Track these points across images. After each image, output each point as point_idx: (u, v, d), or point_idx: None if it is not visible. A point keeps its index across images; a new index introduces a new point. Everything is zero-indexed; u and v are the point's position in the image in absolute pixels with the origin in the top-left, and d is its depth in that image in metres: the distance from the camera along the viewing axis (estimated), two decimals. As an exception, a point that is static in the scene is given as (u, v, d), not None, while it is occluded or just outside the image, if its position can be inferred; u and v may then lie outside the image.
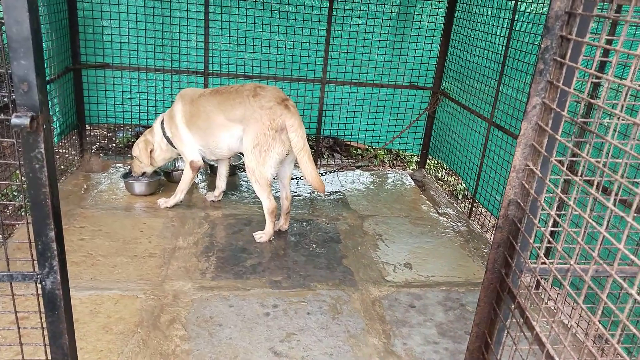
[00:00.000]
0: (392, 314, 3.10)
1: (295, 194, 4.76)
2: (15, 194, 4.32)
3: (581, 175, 1.27)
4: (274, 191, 4.34)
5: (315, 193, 4.79)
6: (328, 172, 5.25)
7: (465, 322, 3.06)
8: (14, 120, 1.21)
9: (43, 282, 1.44)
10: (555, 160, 1.30)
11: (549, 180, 1.36)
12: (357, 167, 5.74)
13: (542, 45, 1.29)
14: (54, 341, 1.53)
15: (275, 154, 3.63)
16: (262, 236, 3.83)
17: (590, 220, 1.14)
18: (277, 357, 2.63)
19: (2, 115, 1.34)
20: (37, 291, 1.48)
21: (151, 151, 4.28)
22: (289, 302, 3.12)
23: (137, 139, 4.40)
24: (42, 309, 1.49)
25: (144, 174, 4.45)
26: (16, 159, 1.34)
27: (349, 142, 6.53)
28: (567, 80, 1.28)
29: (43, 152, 1.29)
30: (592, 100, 1.13)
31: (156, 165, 4.41)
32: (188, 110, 3.95)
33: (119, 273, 3.25)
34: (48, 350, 1.55)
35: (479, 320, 1.64)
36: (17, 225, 3.76)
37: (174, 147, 4.20)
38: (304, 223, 4.22)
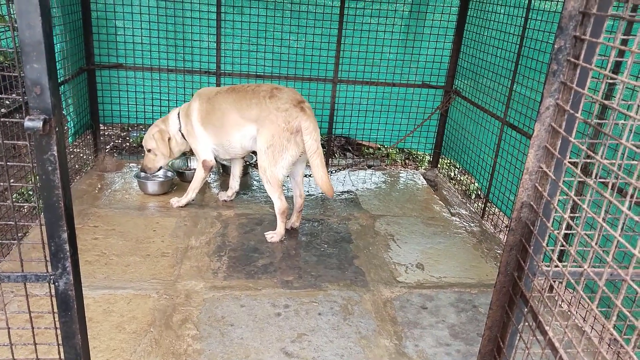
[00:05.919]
0: (403, 315, 3.08)
1: (307, 193, 4.76)
2: (30, 193, 4.37)
3: (595, 177, 1.24)
4: (286, 191, 4.34)
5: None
6: (339, 170, 5.24)
7: (478, 324, 3.04)
8: (27, 124, 1.22)
9: (56, 283, 1.46)
10: (569, 162, 1.28)
11: (563, 183, 1.34)
12: (369, 167, 5.72)
13: (556, 46, 1.27)
14: (67, 341, 1.54)
15: (288, 156, 3.64)
16: (273, 236, 3.84)
17: (603, 224, 1.12)
18: (288, 358, 2.64)
19: (16, 117, 1.36)
20: (50, 292, 1.50)
21: (168, 140, 4.21)
22: (300, 303, 3.12)
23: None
24: (56, 309, 1.51)
25: (159, 169, 4.39)
26: (30, 160, 1.36)
27: (360, 142, 6.50)
28: (581, 81, 1.26)
29: (56, 154, 1.30)
30: (606, 102, 1.11)
31: (173, 156, 4.38)
32: (204, 109, 3.96)
33: (132, 272, 3.28)
34: (61, 350, 1.57)
35: (491, 323, 1.63)
36: (31, 226, 3.81)
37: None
38: (315, 223, 4.22)
